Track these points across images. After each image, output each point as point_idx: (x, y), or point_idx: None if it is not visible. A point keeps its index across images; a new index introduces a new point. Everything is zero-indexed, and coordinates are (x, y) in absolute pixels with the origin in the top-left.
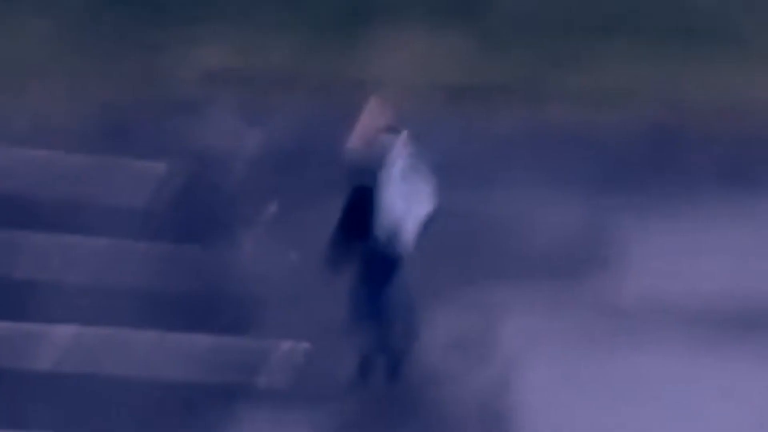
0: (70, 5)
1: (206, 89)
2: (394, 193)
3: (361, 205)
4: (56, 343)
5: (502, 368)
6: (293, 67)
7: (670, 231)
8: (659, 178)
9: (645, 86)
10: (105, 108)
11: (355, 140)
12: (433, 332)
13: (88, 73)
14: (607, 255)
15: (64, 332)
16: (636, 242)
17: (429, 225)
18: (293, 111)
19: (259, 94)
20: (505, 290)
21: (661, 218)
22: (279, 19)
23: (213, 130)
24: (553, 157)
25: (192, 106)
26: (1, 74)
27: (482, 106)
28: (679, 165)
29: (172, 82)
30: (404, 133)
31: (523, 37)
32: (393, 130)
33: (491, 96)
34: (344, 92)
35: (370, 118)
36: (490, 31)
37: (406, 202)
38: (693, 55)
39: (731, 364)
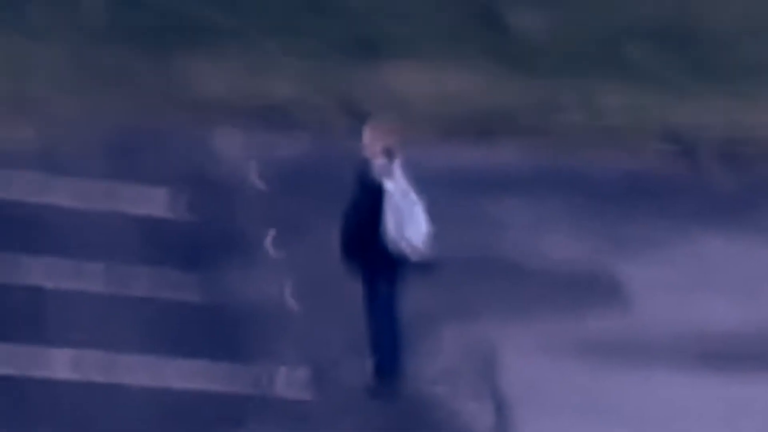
0: (74, 35)
1: (208, 116)
2: (394, 206)
3: (367, 208)
4: (54, 366)
5: (500, 401)
6: (297, 95)
7: (667, 265)
8: (656, 213)
9: (644, 124)
10: (108, 134)
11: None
12: (435, 362)
13: (91, 101)
14: (606, 288)
15: (63, 355)
16: (634, 276)
17: (427, 249)
18: (296, 138)
19: (262, 120)
20: (502, 324)
21: (658, 253)
22: (284, 47)
23: (215, 156)
24: (550, 191)
25: (194, 133)
26: (7, 100)
27: (482, 137)
28: (676, 201)
29: (174, 109)
30: (398, 160)
31: (525, 72)
32: (390, 154)
33: (491, 127)
34: (346, 121)
35: (370, 141)
36: (492, 65)
37: (405, 216)
38: (694, 92)
39: (730, 391)
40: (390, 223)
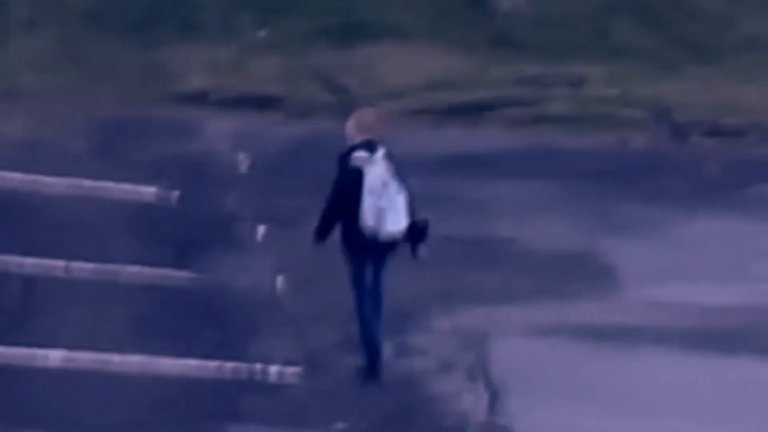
0: (61, 25)
1: (196, 103)
2: (376, 191)
3: (350, 191)
4: (46, 367)
5: (492, 386)
6: (283, 81)
7: (657, 246)
8: (645, 194)
9: (633, 103)
10: (96, 123)
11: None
12: (428, 348)
13: (77, 95)
14: (596, 271)
15: (54, 356)
16: (624, 258)
17: (416, 239)
18: (284, 124)
19: (250, 107)
20: (493, 308)
21: (648, 233)
22: (270, 39)
23: (203, 142)
24: (538, 173)
25: (182, 120)
26: None
27: (469, 120)
28: (665, 181)
29: (162, 97)
30: (382, 149)
31: (512, 57)
32: (372, 143)
33: (478, 110)
34: (333, 106)
35: (355, 129)
36: (479, 47)
37: (384, 205)
38: (679, 75)
39: (722, 371)
40: (367, 212)
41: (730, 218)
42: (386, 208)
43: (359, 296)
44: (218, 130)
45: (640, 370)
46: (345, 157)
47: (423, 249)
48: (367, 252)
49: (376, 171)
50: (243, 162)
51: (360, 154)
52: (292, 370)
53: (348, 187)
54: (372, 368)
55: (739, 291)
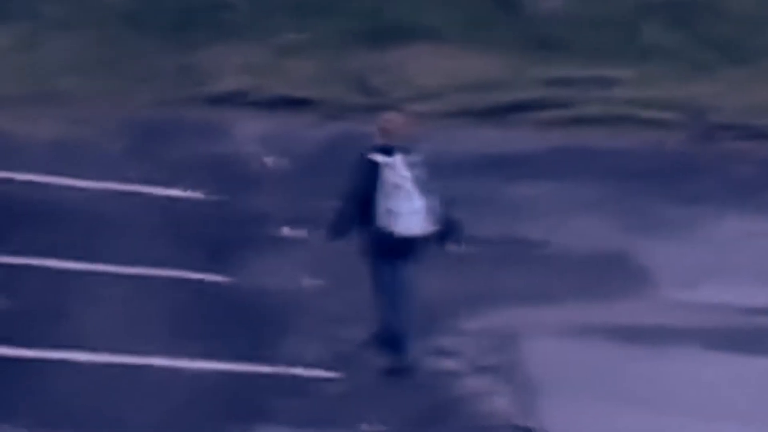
0: (96, 26)
1: (230, 103)
2: (389, 192)
3: (364, 190)
4: (80, 366)
5: (525, 385)
6: (317, 82)
7: (690, 247)
8: (676, 194)
9: (663, 104)
10: (125, 133)
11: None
12: (460, 349)
13: (113, 97)
14: (629, 271)
15: (88, 356)
16: (657, 258)
17: (444, 242)
18: (316, 131)
19: (284, 114)
20: (526, 308)
21: (680, 234)
22: (299, 41)
23: (236, 142)
24: (571, 174)
25: (216, 120)
26: (31, 91)
27: (502, 121)
28: (696, 182)
29: (196, 97)
30: (409, 153)
31: (546, 59)
32: (392, 147)
33: (511, 111)
34: (366, 113)
35: (384, 131)
36: (512, 49)
37: (395, 205)
38: (711, 77)
39: (754, 369)
40: (382, 210)
41: (761, 219)
42: (398, 211)
43: (381, 296)
44: (252, 131)
45: (674, 370)
46: (362, 157)
47: (453, 247)
48: (385, 252)
49: (392, 172)
50: (274, 164)
51: (376, 157)
52: (322, 370)
53: (364, 180)
54: (397, 366)
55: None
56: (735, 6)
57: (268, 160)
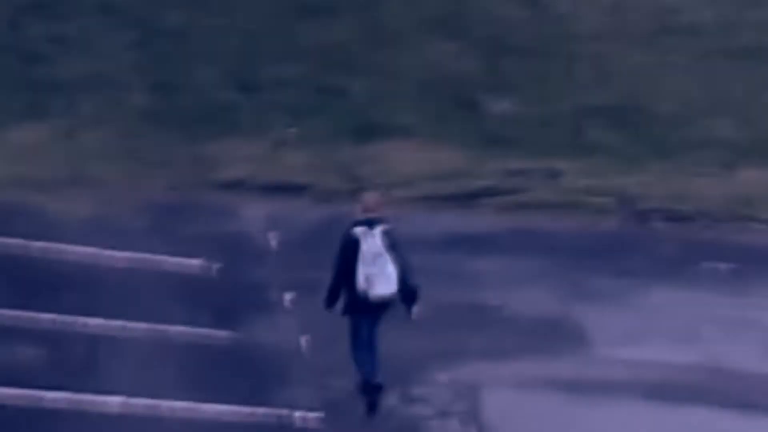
0: (123, 124)
1: (235, 191)
2: (367, 260)
3: (348, 259)
4: (106, 411)
5: (486, 428)
6: (309, 176)
7: (623, 313)
8: (613, 268)
9: (602, 192)
10: (147, 211)
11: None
12: (429, 397)
13: (135, 181)
14: (571, 333)
15: (112, 401)
16: (595, 322)
17: (409, 301)
18: (309, 213)
19: (281, 194)
20: (482, 364)
21: (615, 302)
22: (298, 135)
23: (240, 224)
24: (523, 251)
25: (223, 205)
26: (65, 177)
27: (465, 205)
28: (630, 258)
29: (205, 185)
30: (383, 226)
31: (501, 153)
32: (373, 221)
33: (473, 197)
34: (351, 198)
35: (365, 208)
36: (473, 144)
37: (376, 272)
38: (641, 169)
39: (677, 417)
40: (361, 276)
41: (684, 290)
42: (376, 275)
43: (355, 348)
44: (253, 212)
45: (610, 417)
46: (347, 231)
47: (415, 310)
48: (362, 311)
49: (370, 243)
50: (274, 240)
51: (359, 229)
52: (314, 415)
53: (347, 255)
54: (370, 405)
55: (693, 351)
56: (662, 109)
57: (272, 236)
